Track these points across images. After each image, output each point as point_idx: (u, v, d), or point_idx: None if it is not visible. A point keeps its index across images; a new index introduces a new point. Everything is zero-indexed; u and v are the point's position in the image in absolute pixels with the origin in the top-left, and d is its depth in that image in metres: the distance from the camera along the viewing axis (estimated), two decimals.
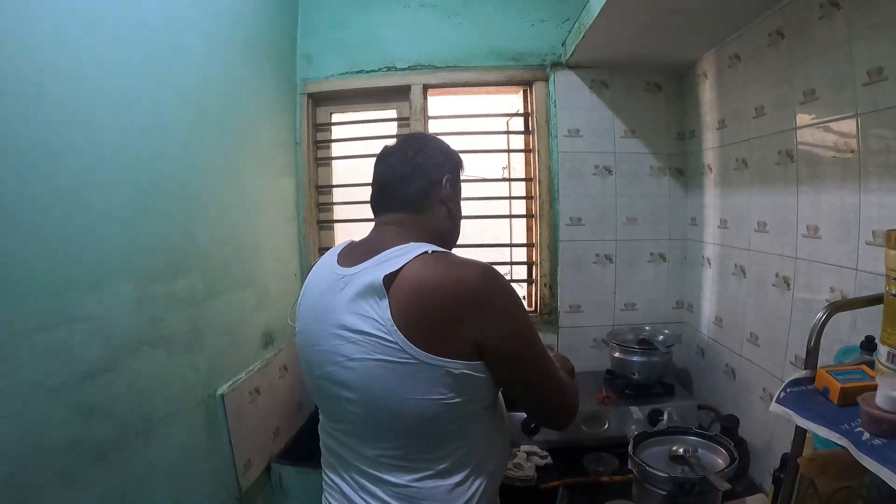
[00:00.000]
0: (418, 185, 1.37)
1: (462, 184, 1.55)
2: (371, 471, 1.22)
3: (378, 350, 1.12)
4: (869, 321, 1.25)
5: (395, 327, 1.10)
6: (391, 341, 1.10)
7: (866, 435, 0.90)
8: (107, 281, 1.38)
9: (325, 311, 1.23)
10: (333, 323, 1.19)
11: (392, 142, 1.48)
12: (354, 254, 1.29)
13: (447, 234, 1.45)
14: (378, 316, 1.12)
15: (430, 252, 1.18)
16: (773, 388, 1.24)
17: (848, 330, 1.47)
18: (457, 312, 1.12)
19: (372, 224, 1.42)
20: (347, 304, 1.18)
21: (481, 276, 1.15)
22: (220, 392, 1.85)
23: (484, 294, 1.14)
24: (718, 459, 1.72)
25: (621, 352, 2.39)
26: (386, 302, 1.12)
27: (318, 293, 1.30)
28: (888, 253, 1.02)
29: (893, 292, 1.01)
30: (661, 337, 2.45)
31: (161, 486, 1.55)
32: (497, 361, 1.18)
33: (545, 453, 2.09)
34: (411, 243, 1.22)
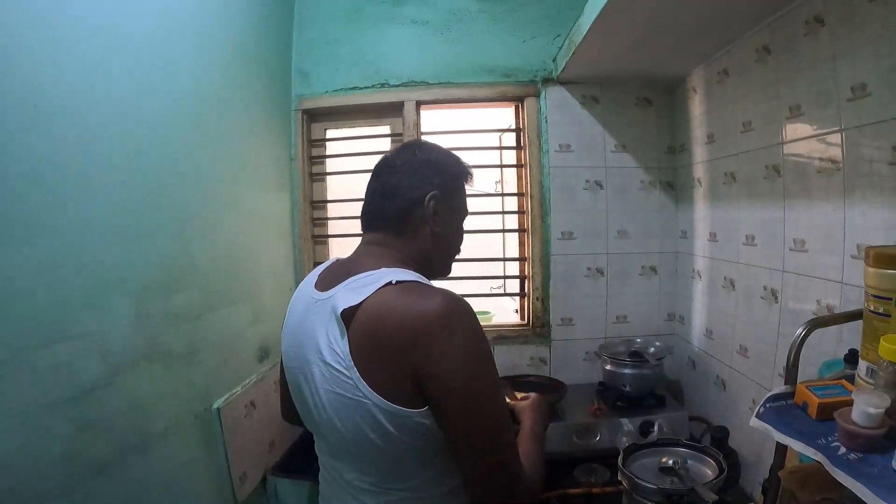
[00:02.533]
0: (399, 204, 1.28)
1: (465, 199, 1.41)
2: (352, 490, 1.20)
3: (337, 383, 1.08)
4: (855, 334, 1.27)
5: (353, 363, 1.05)
6: (348, 377, 1.06)
7: (842, 450, 0.93)
8: (104, 298, 1.41)
9: (303, 334, 1.20)
10: (309, 347, 1.16)
11: (389, 152, 1.40)
12: (332, 275, 1.24)
13: (431, 257, 1.32)
14: (339, 349, 1.07)
15: (394, 283, 1.09)
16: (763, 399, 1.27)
17: (835, 342, 1.50)
18: (404, 352, 1.03)
19: None
20: (319, 330, 1.13)
21: (434, 313, 1.03)
22: (216, 406, 1.87)
23: (431, 333, 1.03)
24: (707, 471, 1.74)
25: (613, 364, 2.41)
26: (346, 336, 1.07)
27: (297, 315, 1.26)
28: (867, 270, 1.05)
29: (872, 309, 1.04)
30: (652, 349, 2.47)
31: (159, 499, 1.57)
32: (437, 411, 1.06)
33: None
34: (383, 269, 1.15)
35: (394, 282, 1.09)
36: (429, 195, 1.28)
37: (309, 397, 1.19)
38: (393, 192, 1.28)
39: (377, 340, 1.05)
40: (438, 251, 1.33)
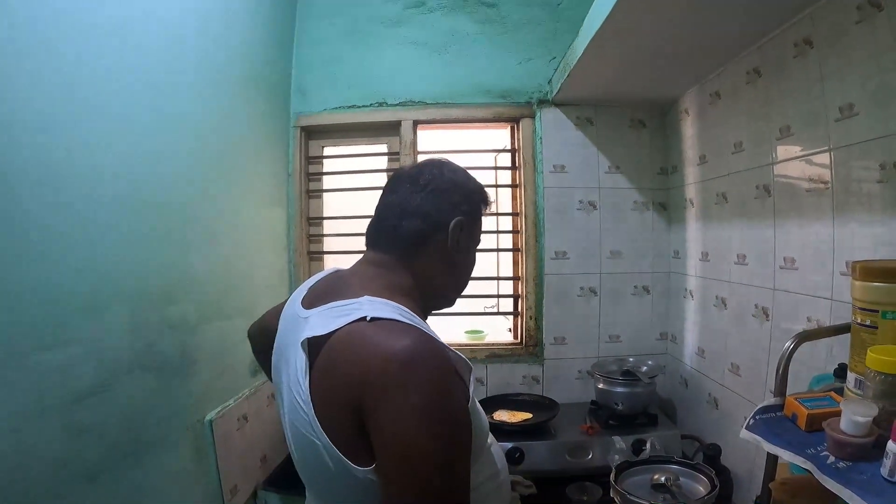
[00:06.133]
0: (419, 226, 1.16)
1: (481, 226, 1.30)
2: None
3: (296, 416, 1.00)
4: (846, 349, 1.29)
5: (310, 399, 0.96)
6: (305, 413, 0.96)
7: (832, 459, 0.94)
8: (102, 305, 1.41)
9: (283, 351, 1.13)
10: (284, 368, 1.10)
11: (408, 164, 1.29)
12: (320, 291, 1.15)
13: (440, 289, 1.23)
14: (301, 381, 0.97)
15: (368, 319, 0.96)
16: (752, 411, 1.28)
17: (825, 358, 1.51)
18: (353, 395, 0.90)
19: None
20: (291, 353, 1.05)
21: (394, 359, 0.89)
22: (208, 418, 1.87)
23: (385, 381, 0.88)
24: (700, 487, 1.74)
25: (605, 383, 2.41)
26: (309, 369, 0.98)
27: (285, 330, 1.17)
28: (854, 284, 1.07)
29: (859, 321, 1.05)
30: (645, 368, 2.48)
31: None
32: (378, 470, 0.90)
33: (530, 483, 2.09)
34: (364, 297, 1.02)
35: (368, 318, 0.96)
36: (454, 221, 1.18)
37: (282, 419, 1.13)
38: (414, 212, 1.17)
39: (334, 379, 0.95)
40: (450, 281, 1.25)
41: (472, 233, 1.25)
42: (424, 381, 0.89)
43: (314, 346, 0.98)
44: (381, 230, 1.20)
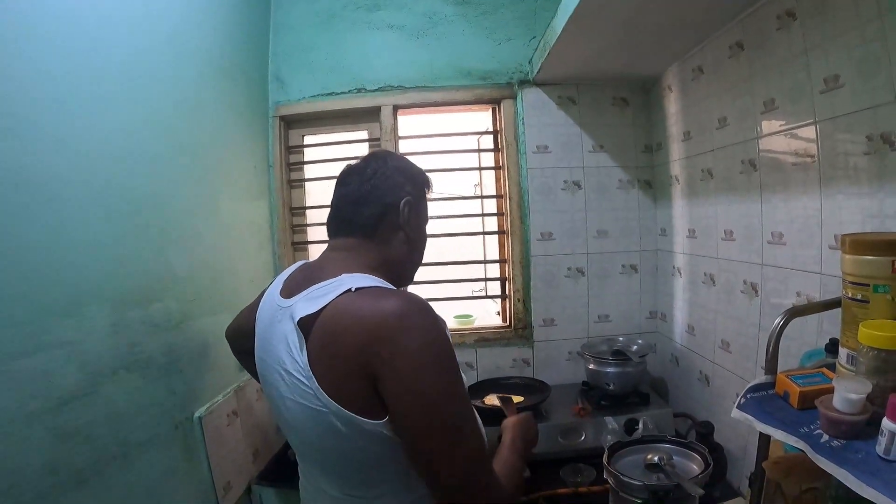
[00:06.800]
0: (373, 210, 1.31)
1: (429, 205, 1.49)
2: (325, 498, 1.23)
3: (298, 393, 1.10)
4: (836, 324, 1.28)
5: (311, 373, 1.06)
6: (308, 387, 1.07)
7: (825, 437, 0.93)
8: (82, 307, 1.39)
9: (269, 341, 1.22)
10: (273, 356, 1.18)
11: (354, 161, 1.43)
12: (295, 282, 1.26)
13: (402, 262, 1.38)
14: (299, 358, 1.08)
15: (353, 290, 1.10)
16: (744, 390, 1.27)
17: (815, 333, 1.51)
18: (360, 353, 1.03)
19: None
20: (281, 338, 1.15)
21: (389, 313, 1.04)
22: (197, 415, 1.84)
23: (387, 332, 1.03)
24: (693, 465, 1.73)
25: (595, 363, 2.40)
26: (305, 345, 1.08)
27: (264, 323, 1.28)
28: (843, 258, 1.06)
29: (850, 296, 1.04)
30: (635, 347, 2.47)
31: None
32: (395, 415, 1.05)
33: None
34: (344, 275, 1.16)
35: (353, 289, 1.10)
36: (403, 200, 1.34)
37: (278, 404, 1.20)
38: (365, 199, 1.32)
39: (335, 347, 1.05)
40: (408, 256, 1.39)
41: (420, 210, 1.40)
42: (421, 327, 1.05)
43: (304, 327, 1.09)
44: (341, 219, 1.34)
